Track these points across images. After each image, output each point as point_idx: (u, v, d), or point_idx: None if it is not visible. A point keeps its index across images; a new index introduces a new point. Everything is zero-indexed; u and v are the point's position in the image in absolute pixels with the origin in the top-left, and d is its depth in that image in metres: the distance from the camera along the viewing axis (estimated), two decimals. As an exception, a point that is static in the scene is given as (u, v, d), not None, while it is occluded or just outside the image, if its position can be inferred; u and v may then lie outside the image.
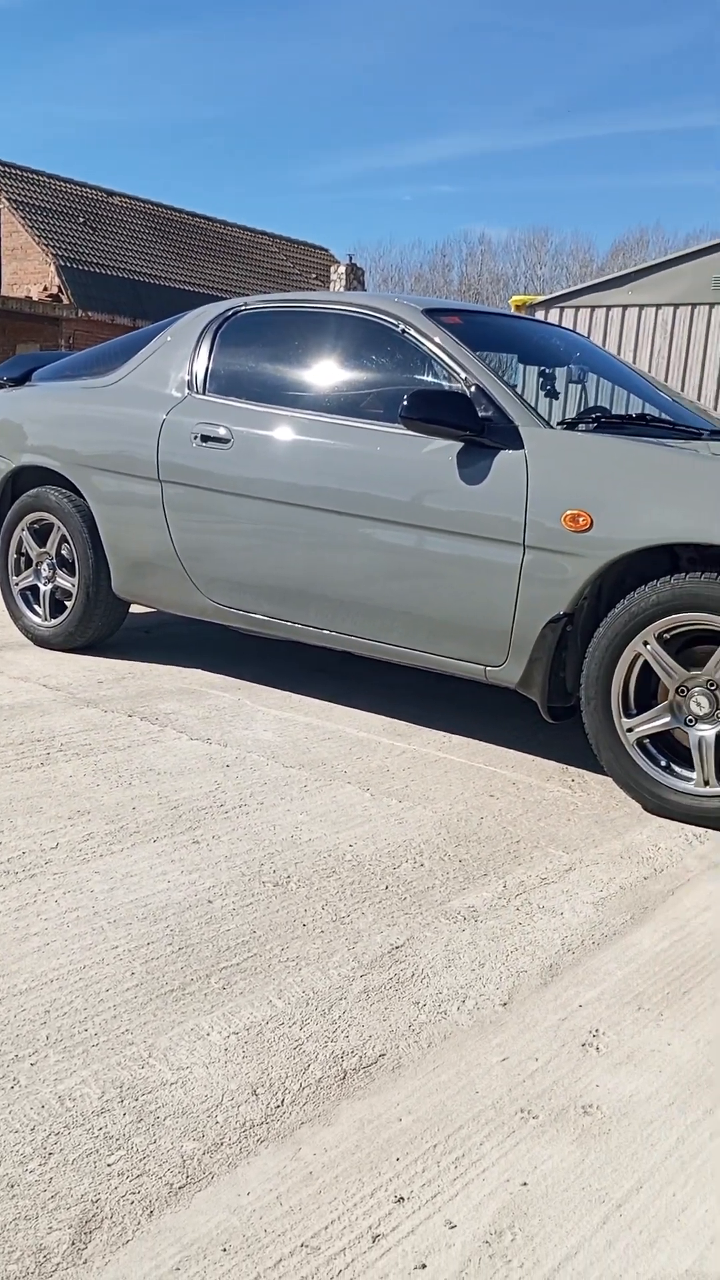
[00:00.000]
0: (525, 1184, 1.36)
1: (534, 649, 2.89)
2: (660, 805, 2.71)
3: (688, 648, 2.71)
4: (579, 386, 3.97)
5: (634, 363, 6.76)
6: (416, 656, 3.20)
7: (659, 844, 2.54)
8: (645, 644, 2.71)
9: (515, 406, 3.03)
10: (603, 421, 3.17)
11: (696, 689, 2.66)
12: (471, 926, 2.07)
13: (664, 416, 3.57)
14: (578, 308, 6.99)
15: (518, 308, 7.48)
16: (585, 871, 2.36)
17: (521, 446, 2.94)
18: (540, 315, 7.15)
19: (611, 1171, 1.39)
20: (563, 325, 7.01)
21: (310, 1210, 1.30)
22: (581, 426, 3.14)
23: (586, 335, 6.92)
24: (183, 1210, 1.28)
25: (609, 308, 6.83)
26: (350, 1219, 1.29)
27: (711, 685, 2.63)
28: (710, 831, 2.62)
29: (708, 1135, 1.47)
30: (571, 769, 3.07)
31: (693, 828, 2.64)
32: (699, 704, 2.65)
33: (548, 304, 7.15)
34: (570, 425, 3.14)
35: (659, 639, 2.69)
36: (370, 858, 2.37)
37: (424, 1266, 1.22)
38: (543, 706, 2.94)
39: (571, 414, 3.36)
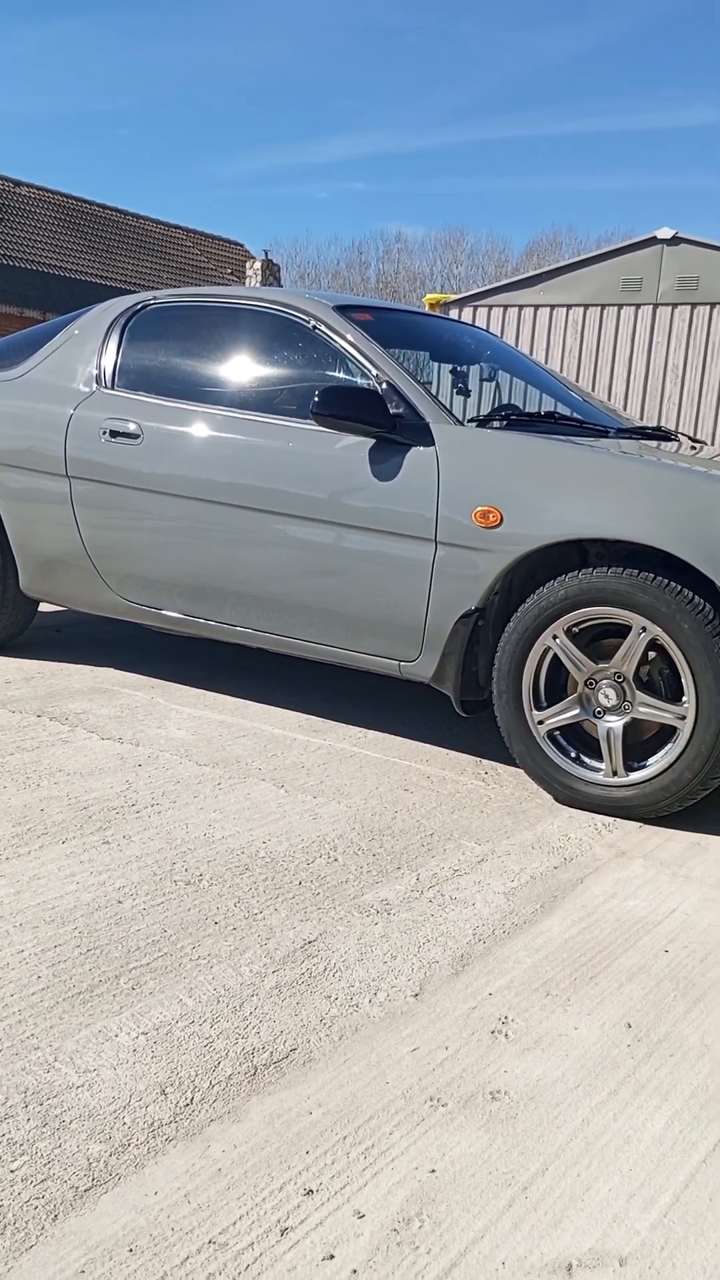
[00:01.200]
0: (434, 1171, 1.37)
1: (447, 644, 2.92)
2: (571, 796, 2.76)
3: (596, 641, 2.76)
4: (491, 384, 4.01)
5: (546, 361, 6.86)
6: (332, 653, 3.21)
7: (569, 834, 2.59)
8: (554, 638, 2.75)
9: (426, 403, 3.06)
10: (513, 419, 3.22)
11: (604, 681, 2.71)
12: (384, 919, 2.08)
13: (573, 415, 3.63)
14: (490, 306, 7.06)
15: (432, 306, 7.54)
16: (497, 862, 2.39)
17: (433, 443, 2.97)
18: (454, 314, 7.21)
19: (518, 1155, 1.41)
20: (476, 324, 7.08)
21: (218, 1207, 1.29)
22: (492, 424, 3.17)
23: (500, 334, 7.00)
24: (88, 1213, 1.27)
25: (521, 307, 6.93)
26: (259, 1213, 1.28)
27: (619, 677, 2.69)
28: (618, 820, 2.68)
29: (611, 1116, 1.50)
30: (485, 762, 3.11)
31: (602, 817, 2.70)
32: (607, 696, 2.71)
33: (461, 303, 7.22)
34: (481, 422, 3.17)
35: (568, 633, 2.74)
36: (284, 854, 2.37)
37: (332, 1257, 1.22)
38: (456, 701, 2.97)
39: (484, 411, 3.40)
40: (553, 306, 6.78)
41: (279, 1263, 1.21)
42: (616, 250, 6.56)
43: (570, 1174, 1.38)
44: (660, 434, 3.54)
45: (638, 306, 6.42)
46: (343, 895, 2.18)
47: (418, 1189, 1.34)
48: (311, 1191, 1.32)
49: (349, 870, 2.30)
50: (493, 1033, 1.70)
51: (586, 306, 6.63)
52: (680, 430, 4.78)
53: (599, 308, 6.58)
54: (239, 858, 2.32)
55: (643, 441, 3.34)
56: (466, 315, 7.17)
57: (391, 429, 3.01)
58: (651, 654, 2.66)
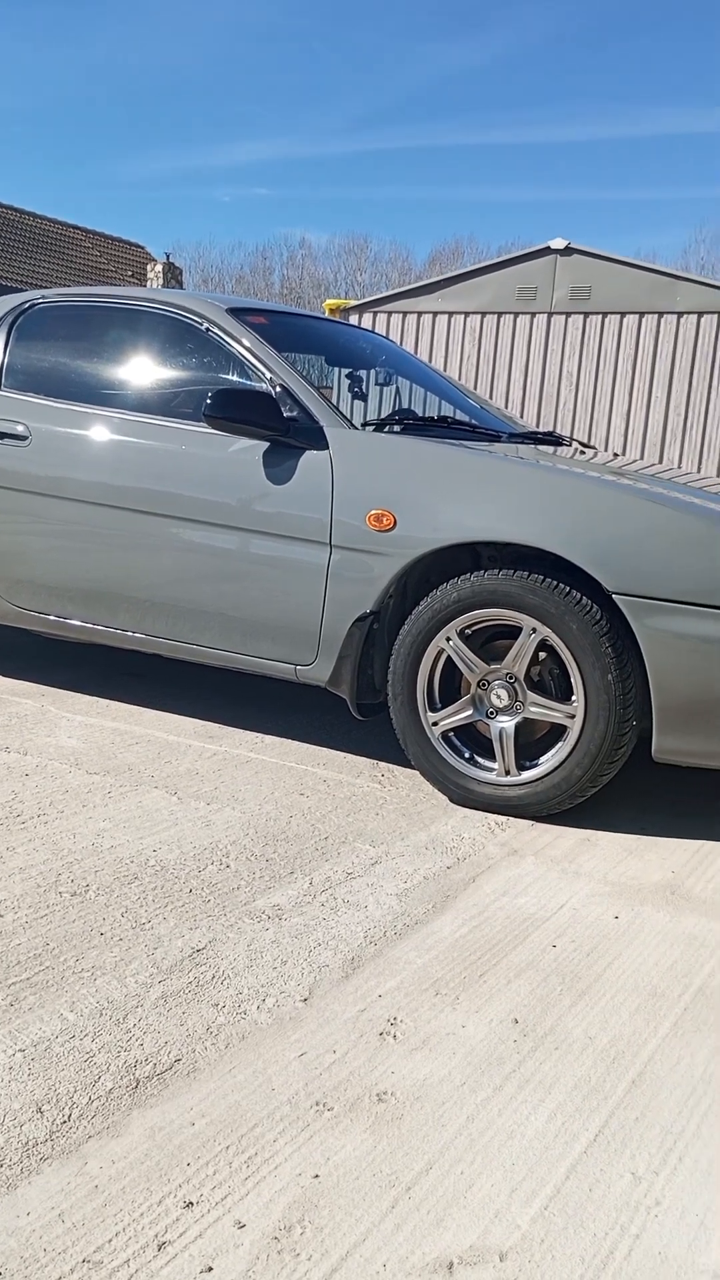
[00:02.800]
0: (317, 1176, 1.36)
1: (342, 647, 2.92)
2: (465, 796, 2.78)
3: (489, 643, 2.79)
4: (387, 389, 4.03)
5: (445, 367, 6.94)
6: (227, 657, 3.18)
7: (463, 834, 2.60)
8: (448, 640, 2.77)
9: (320, 407, 3.05)
10: (407, 424, 3.23)
11: (496, 682, 2.74)
12: (275, 925, 2.06)
13: (467, 419, 3.67)
14: (390, 313, 7.11)
15: (331, 311, 7.55)
16: (391, 864, 2.39)
17: (327, 447, 2.96)
18: (354, 319, 7.24)
19: (403, 1155, 1.41)
20: (375, 329, 7.12)
21: (94, 1224, 1.26)
22: (387, 428, 3.19)
23: (400, 340, 7.06)
24: (-44, 1239, 1.22)
25: (420, 313, 6.99)
26: (136, 1229, 1.25)
27: (510, 678, 2.72)
28: (510, 819, 2.70)
29: (496, 1111, 1.51)
30: (382, 764, 3.11)
31: (495, 816, 2.72)
32: (499, 696, 2.74)
33: (361, 308, 7.25)
34: (375, 426, 3.18)
35: (461, 634, 2.76)
36: (175, 862, 2.33)
37: (210, 1270, 1.20)
38: (351, 704, 2.96)
39: (380, 416, 3.41)
40: (451, 313, 6.86)
41: (155, 1278, 1.18)
42: (512, 259, 6.66)
43: (454, 1172, 1.38)
44: (552, 439, 3.61)
45: (533, 315, 6.54)
46: (234, 902, 2.16)
47: (300, 1195, 1.32)
48: (191, 1204, 1.30)
49: (241, 876, 2.28)
50: (381, 1034, 1.70)
51: (484, 314, 6.73)
52: (573, 436, 4.88)
53: (496, 315, 6.68)
54: (128, 867, 2.28)
55: (535, 446, 3.40)
56: (366, 321, 7.21)
57: (285, 432, 3.00)
58: (542, 654, 2.70)
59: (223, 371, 3.32)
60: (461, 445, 3.03)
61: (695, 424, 6.06)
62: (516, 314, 6.60)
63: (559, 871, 2.39)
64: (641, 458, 6.24)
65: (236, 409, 2.98)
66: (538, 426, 6.62)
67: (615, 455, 3.89)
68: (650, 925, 2.14)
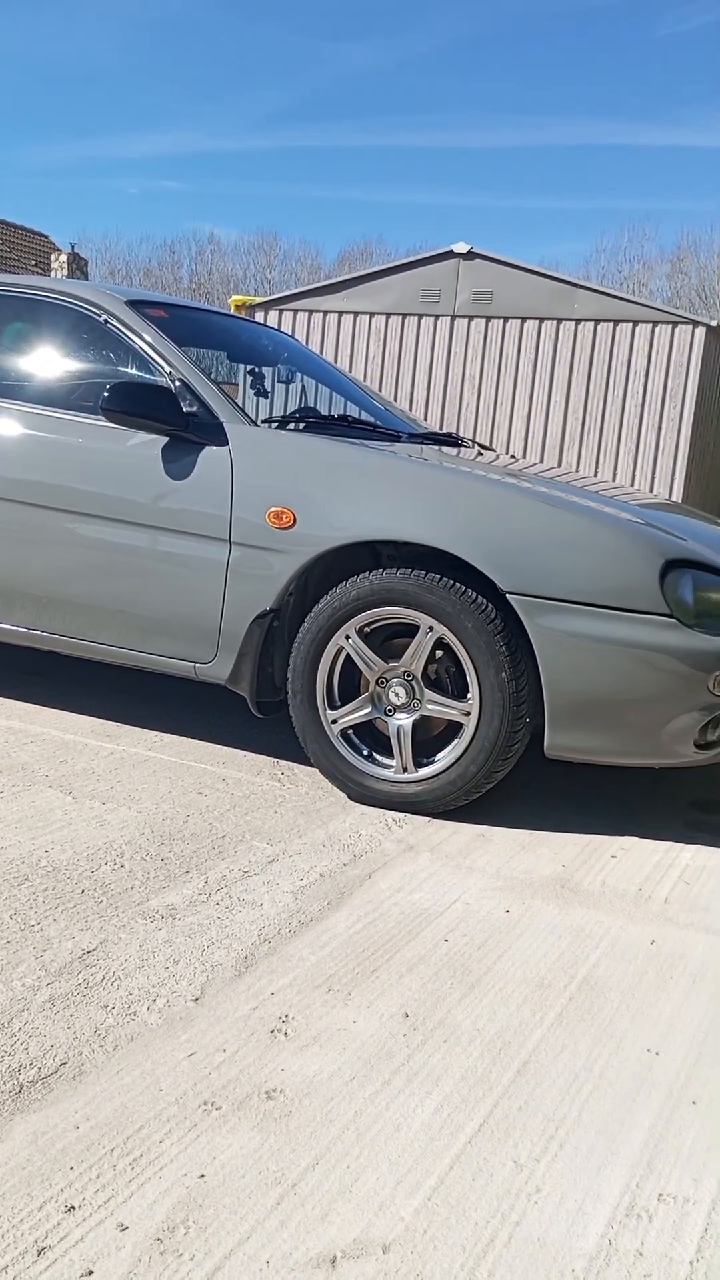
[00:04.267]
0: (203, 1176, 1.35)
1: (242, 645, 2.90)
2: (363, 793, 2.80)
3: (388, 641, 2.81)
4: (288, 386, 4.03)
5: (350, 367, 6.96)
6: (127, 655, 3.14)
7: (360, 831, 2.62)
8: (347, 638, 2.79)
9: (220, 403, 3.03)
10: (308, 421, 3.23)
11: (395, 680, 2.76)
12: (169, 925, 2.04)
13: (368, 419, 3.69)
14: (296, 311, 7.10)
15: (237, 308, 7.51)
16: (288, 862, 2.39)
17: (227, 443, 2.95)
18: (260, 316, 7.21)
19: (290, 1152, 1.41)
20: (281, 328, 7.11)
21: (-28, 1234, 1.23)
22: (288, 426, 3.18)
23: (305, 339, 7.06)
24: None
25: (326, 313, 6.99)
26: (15, 1236, 1.23)
27: (408, 676, 2.75)
28: (408, 816, 2.73)
29: (384, 1105, 1.53)
30: (282, 763, 3.11)
31: (393, 813, 2.74)
32: (397, 694, 2.76)
33: (267, 306, 7.23)
34: (277, 424, 3.17)
35: (360, 633, 2.78)
36: (67, 862, 2.29)
37: (91, 1273, 1.18)
38: (251, 702, 2.95)
39: (282, 414, 3.40)
40: (356, 313, 6.88)
41: (34, 1285, 1.16)
42: (417, 261, 6.72)
43: (340, 1166, 1.39)
44: (451, 440, 3.65)
45: (437, 317, 6.60)
46: (127, 902, 2.13)
47: (185, 1196, 1.31)
48: (73, 1208, 1.28)
49: (135, 877, 2.25)
50: (272, 1032, 1.70)
51: (389, 315, 6.77)
52: (473, 439, 4.94)
53: (401, 316, 6.73)
54: (18, 868, 2.23)
55: (435, 447, 3.44)
56: (273, 318, 7.19)
57: (185, 428, 2.97)
58: (439, 653, 2.73)
59: (122, 365, 3.28)
60: (362, 444, 3.04)
61: (592, 429, 6.20)
62: (421, 316, 6.65)
63: (453, 867, 2.43)
64: (540, 461, 6.37)
65: (134, 403, 2.95)
66: (440, 428, 6.69)
67: (514, 458, 3.96)
68: (540, 918, 2.18)
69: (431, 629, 2.68)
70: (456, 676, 2.72)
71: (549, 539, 2.62)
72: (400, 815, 2.74)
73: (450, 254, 6.51)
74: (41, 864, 2.27)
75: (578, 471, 3.87)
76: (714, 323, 5.98)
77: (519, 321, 6.35)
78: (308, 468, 2.87)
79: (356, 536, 2.76)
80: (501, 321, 6.39)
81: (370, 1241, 1.25)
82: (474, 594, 2.64)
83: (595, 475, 6.03)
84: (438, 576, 2.67)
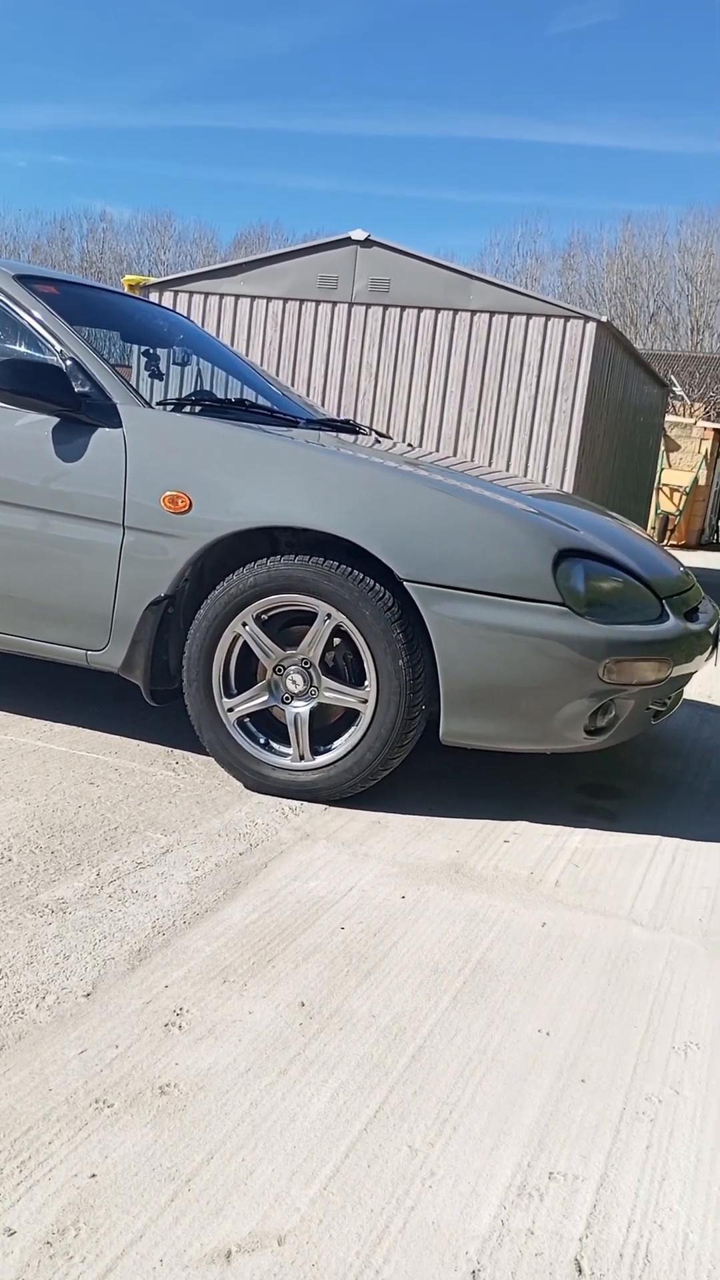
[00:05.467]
0: (94, 1176, 1.32)
1: (136, 631, 2.85)
2: (260, 782, 2.78)
3: (285, 628, 2.79)
4: (184, 368, 3.96)
5: (247, 352, 6.89)
6: (15, 642, 3.04)
7: (256, 820, 2.60)
8: (244, 625, 2.76)
9: (113, 383, 2.96)
10: (204, 405, 3.18)
11: (292, 667, 2.75)
12: (59, 919, 1.99)
13: (266, 404, 3.65)
14: (192, 293, 6.99)
15: (131, 287, 7.35)
16: (182, 852, 2.36)
17: (120, 425, 2.88)
18: (155, 297, 7.07)
19: (184, 1147, 1.39)
20: (177, 309, 6.99)
21: None
22: (184, 409, 3.12)
23: (201, 322, 6.95)
24: None
25: (223, 295, 6.90)
26: None
27: (305, 664, 2.74)
28: (304, 804, 2.72)
29: (280, 1095, 1.52)
30: (176, 751, 3.07)
31: (289, 801, 2.73)
32: (294, 682, 2.75)
33: (162, 286, 7.09)
34: (172, 406, 3.12)
35: (257, 620, 2.75)
36: (-48, 856, 2.22)
37: (-24, 1282, 1.14)
38: (145, 690, 2.90)
39: (178, 396, 3.34)
40: (254, 297, 6.81)
41: None
42: (315, 247, 6.68)
43: (235, 1160, 1.37)
44: (349, 427, 3.64)
45: (334, 304, 6.58)
46: (15, 897, 2.07)
47: (76, 1197, 1.28)
48: (-42, 1215, 1.24)
49: (24, 870, 2.19)
50: (166, 1025, 1.67)
51: (286, 300, 6.72)
52: (371, 426, 4.95)
53: (298, 302, 6.68)
54: None
55: (333, 433, 3.42)
56: (168, 299, 7.06)
57: (76, 408, 2.90)
58: (337, 640, 2.72)
59: (9, 341, 3.17)
60: (260, 429, 3.01)
61: (487, 419, 6.28)
62: (318, 302, 6.62)
63: (350, 854, 2.43)
64: (437, 450, 6.41)
65: (23, 381, 2.86)
66: (337, 415, 6.68)
67: (411, 446, 3.97)
68: (435, 904, 2.20)
69: (329, 616, 2.67)
70: (354, 664, 2.72)
71: (446, 527, 2.64)
72: (297, 803, 2.73)
73: (349, 240, 6.49)
74: None
75: (473, 461, 3.90)
76: (604, 318, 6.12)
77: (416, 311, 6.37)
78: (204, 451, 2.83)
79: (254, 522, 2.73)
80: (399, 310, 6.41)
81: (265, 1234, 1.24)
82: (371, 581, 2.64)
83: (490, 465, 6.11)
84: (335, 564, 2.66)
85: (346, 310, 6.54)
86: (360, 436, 3.56)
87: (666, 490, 13.56)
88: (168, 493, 2.79)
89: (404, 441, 4.23)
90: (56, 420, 2.92)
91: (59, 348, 3.01)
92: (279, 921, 2.07)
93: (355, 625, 2.65)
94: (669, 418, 13.12)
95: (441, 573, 2.60)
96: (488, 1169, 1.39)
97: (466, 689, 2.62)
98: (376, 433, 3.86)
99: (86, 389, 2.93)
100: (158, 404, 3.05)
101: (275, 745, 2.80)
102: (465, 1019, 1.76)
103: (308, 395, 6.73)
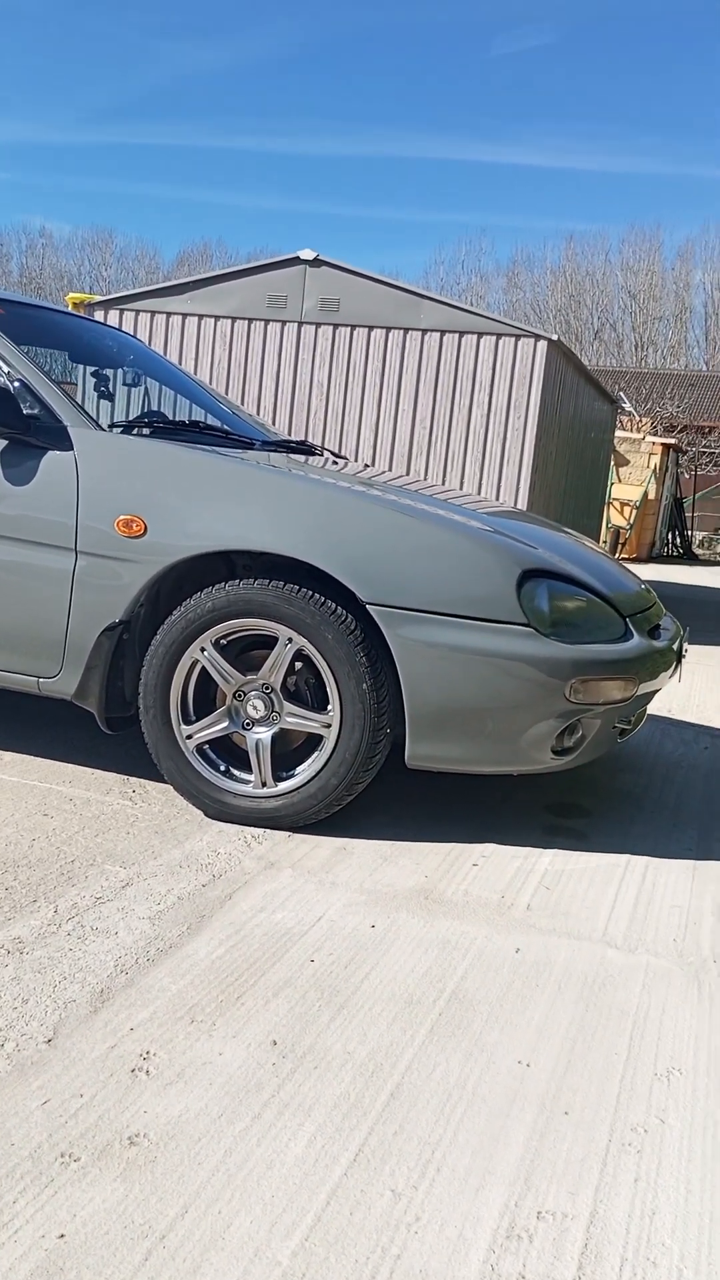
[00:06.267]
0: (63, 1236, 1.25)
1: (89, 658, 2.78)
2: (221, 810, 2.72)
3: (245, 652, 2.74)
4: (134, 389, 3.90)
5: (196, 371, 6.84)
6: (-38, 670, 2.96)
7: (219, 849, 2.54)
8: (202, 650, 2.70)
9: (64, 406, 2.90)
10: (158, 427, 3.13)
11: (253, 693, 2.69)
12: (16, 960, 1.92)
13: (220, 425, 3.60)
14: (139, 311, 6.92)
15: (75, 306, 7.26)
16: (143, 886, 2.29)
17: (71, 448, 2.82)
18: (100, 315, 7.00)
19: (156, 1201, 1.33)
20: (123, 328, 6.93)
21: None
22: (135, 430, 3.07)
23: (149, 341, 6.89)
24: None
25: (170, 314, 6.85)
26: None
27: (267, 689, 2.68)
28: (267, 832, 2.66)
29: (255, 1142, 1.46)
30: (133, 779, 2.99)
31: (252, 829, 2.67)
32: (255, 707, 2.69)
33: (107, 304, 7.01)
34: (125, 429, 3.06)
35: (216, 645, 2.70)
36: None
37: None
38: (100, 717, 2.83)
39: (127, 418, 3.28)
40: (201, 316, 6.76)
41: None
42: (263, 266, 6.66)
43: (211, 1213, 1.31)
44: (304, 448, 3.61)
45: (284, 323, 6.55)
46: (-30, 937, 1.99)
47: (44, 1259, 1.21)
48: None
49: (-21, 908, 2.11)
50: (133, 1071, 1.61)
51: (234, 319, 6.68)
52: (325, 446, 4.94)
53: (247, 321, 6.65)
54: None
55: (287, 455, 3.38)
56: (113, 318, 6.98)
57: (25, 430, 2.83)
58: (298, 664, 2.68)
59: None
60: (215, 451, 2.96)
61: (440, 438, 6.28)
62: (267, 321, 6.59)
63: (316, 883, 2.38)
64: (391, 469, 6.41)
65: (-31, 404, 2.78)
66: (290, 435, 6.65)
67: (366, 466, 3.95)
68: (405, 932, 2.16)
69: (290, 640, 2.63)
70: (316, 688, 2.68)
71: (409, 549, 2.61)
72: (260, 831, 2.67)
73: (297, 260, 6.47)
74: None
75: (427, 480, 3.88)
76: (554, 337, 6.16)
77: (366, 330, 6.37)
78: (159, 474, 2.77)
79: (211, 546, 2.68)
80: (349, 330, 6.40)
81: (247, 1293, 1.18)
82: (333, 605, 2.60)
83: (444, 484, 6.11)
84: (296, 587, 2.62)
85: (296, 329, 6.52)
86: (314, 457, 3.53)
87: (617, 505, 13.72)
88: (121, 516, 2.73)
89: (358, 461, 4.20)
90: (4, 444, 2.85)
91: (5, 369, 2.94)
92: (246, 956, 2.01)
93: (317, 649, 2.60)
94: (618, 433, 13.28)
95: (405, 595, 2.57)
96: (474, 1211, 1.34)
97: (432, 712, 2.58)
98: (331, 453, 3.84)
99: (35, 411, 2.86)
100: (110, 426, 2.99)
101: (236, 772, 2.74)
102: (443, 1052, 1.72)
103: (258, 414, 6.69)
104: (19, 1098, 1.52)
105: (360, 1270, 1.23)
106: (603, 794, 3.23)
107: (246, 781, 2.72)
